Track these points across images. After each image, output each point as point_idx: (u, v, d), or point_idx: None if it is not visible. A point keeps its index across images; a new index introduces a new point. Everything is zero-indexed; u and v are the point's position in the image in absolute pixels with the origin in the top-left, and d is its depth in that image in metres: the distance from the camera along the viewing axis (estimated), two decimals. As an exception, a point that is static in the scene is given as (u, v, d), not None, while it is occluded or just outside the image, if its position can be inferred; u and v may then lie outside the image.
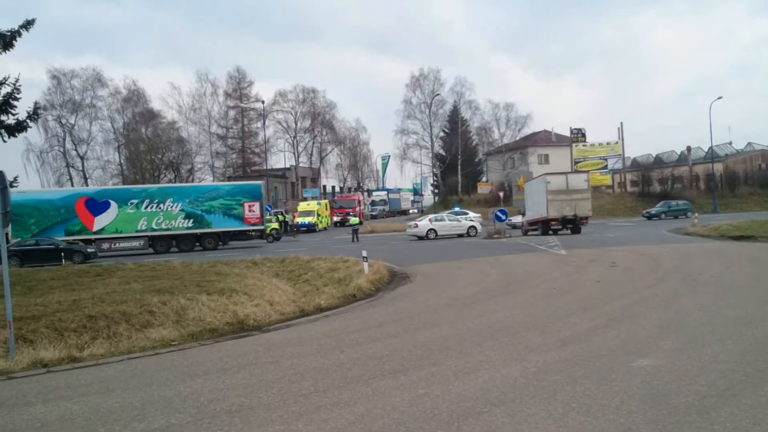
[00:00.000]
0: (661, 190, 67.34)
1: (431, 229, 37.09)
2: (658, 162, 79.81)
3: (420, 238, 36.80)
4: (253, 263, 21.85)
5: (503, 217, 34.76)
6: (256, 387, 6.81)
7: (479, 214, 50.26)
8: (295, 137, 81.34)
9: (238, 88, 75.77)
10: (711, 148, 70.18)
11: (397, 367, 7.33)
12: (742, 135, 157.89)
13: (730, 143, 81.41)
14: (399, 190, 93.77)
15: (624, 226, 43.60)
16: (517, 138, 78.04)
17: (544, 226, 35.82)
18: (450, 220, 39.47)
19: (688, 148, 76.24)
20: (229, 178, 72.16)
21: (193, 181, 66.98)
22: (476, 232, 37.42)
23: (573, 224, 35.49)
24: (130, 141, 67.13)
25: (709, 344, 7.57)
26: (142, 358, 9.14)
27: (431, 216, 42.66)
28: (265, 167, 69.83)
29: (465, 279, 16.51)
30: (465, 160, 76.42)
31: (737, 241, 24.91)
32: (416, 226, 38.52)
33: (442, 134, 79.57)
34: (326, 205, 60.54)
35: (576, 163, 68.67)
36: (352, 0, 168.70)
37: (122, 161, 67.89)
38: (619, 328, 8.87)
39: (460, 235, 37.01)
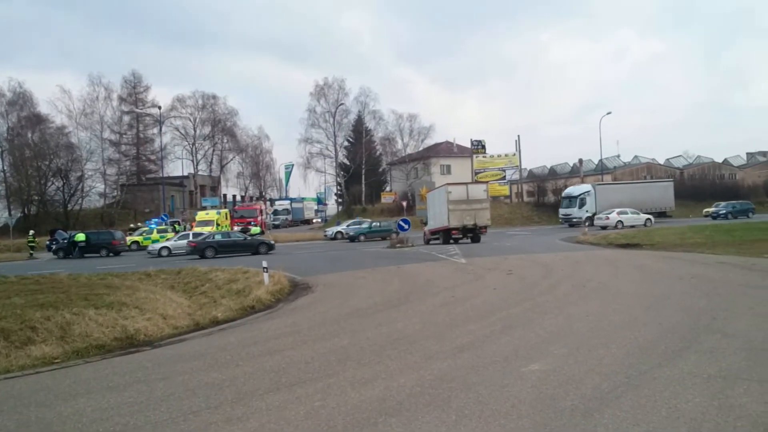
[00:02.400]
0: (555, 200, 70.37)
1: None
2: (553, 173, 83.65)
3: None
4: (146, 275, 20.99)
5: (406, 227, 35.15)
6: (144, 405, 6.49)
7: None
8: (194, 144, 79.30)
9: (134, 92, 73.11)
10: (601, 160, 74.35)
11: (293, 380, 7.20)
12: (630, 148, 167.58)
13: (618, 156, 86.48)
14: (303, 200, 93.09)
15: (521, 234, 45.18)
16: (421, 148, 79.43)
17: (445, 235, 36.53)
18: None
19: (580, 161, 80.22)
20: (122, 186, 69.30)
21: (83, 190, 63.89)
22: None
23: (473, 233, 36.40)
24: (15, 146, 63.20)
25: (595, 348, 7.90)
26: (21, 377, 8.52)
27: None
28: (161, 175, 67.49)
29: (367, 289, 16.54)
30: (369, 170, 76.94)
31: (624, 249, 26.31)
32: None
33: (346, 144, 79.83)
34: (226, 214, 59.05)
35: (476, 173, 70.68)
36: (257, 6, 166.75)
37: (5, 168, 63.72)
38: (512, 335, 9.13)
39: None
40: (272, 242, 37.25)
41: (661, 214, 54.03)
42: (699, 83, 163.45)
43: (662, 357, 7.26)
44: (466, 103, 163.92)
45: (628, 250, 25.92)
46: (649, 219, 47.58)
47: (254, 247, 35.04)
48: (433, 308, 12.41)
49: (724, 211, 53.87)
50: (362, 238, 45.06)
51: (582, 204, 54.23)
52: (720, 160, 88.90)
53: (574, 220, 53.67)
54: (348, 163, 78.90)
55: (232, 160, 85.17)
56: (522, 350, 8.03)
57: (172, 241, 38.88)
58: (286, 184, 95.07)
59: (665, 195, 57.38)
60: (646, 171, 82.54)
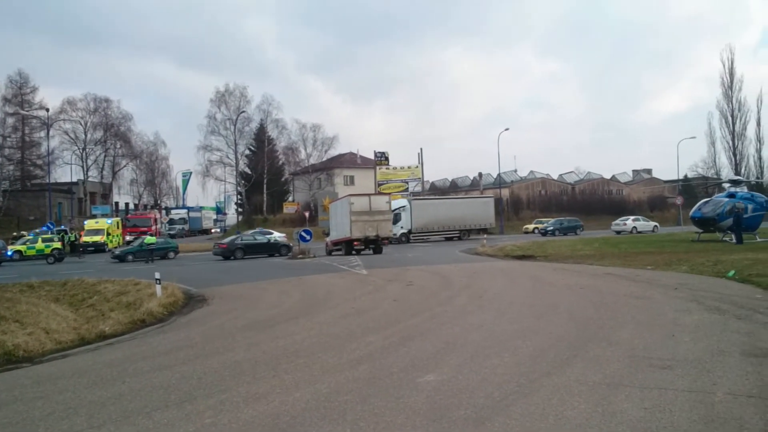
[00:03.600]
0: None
1: None
2: (454, 186, 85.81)
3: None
4: (29, 287, 19.70)
5: (308, 237, 34.89)
6: (19, 426, 6.04)
7: (284, 234, 50.12)
8: (84, 149, 75.64)
9: (19, 93, 68.87)
10: (499, 174, 76.89)
11: (184, 397, 6.90)
12: (527, 163, 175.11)
13: (516, 171, 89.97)
14: (201, 209, 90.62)
15: (422, 246, 45.89)
16: (324, 159, 79.33)
17: (347, 246, 36.55)
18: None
19: (480, 174, 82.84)
20: (5, 192, 64.92)
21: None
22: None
23: (375, 244, 36.65)
24: None
25: (489, 357, 8.07)
26: None
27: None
28: (47, 181, 63.76)
29: (266, 300, 16.22)
30: (271, 179, 75.99)
31: (520, 261, 27.26)
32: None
33: (247, 152, 78.47)
34: (118, 223, 56.52)
35: (379, 185, 71.34)
36: (156, 7, 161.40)
37: None
38: (410, 346, 9.17)
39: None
40: (291, 244, 39.69)
41: (482, 231, 53.51)
42: (591, 103, 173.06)
43: (551, 365, 7.50)
44: (370, 114, 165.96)
45: (523, 261, 26.86)
46: (656, 226, 52.52)
47: (276, 249, 39.52)
48: (333, 320, 12.31)
49: (552, 228, 55.51)
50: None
51: (396, 220, 49.37)
52: (608, 177, 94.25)
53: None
54: (249, 172, 77.55)
55: (125, 166, 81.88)
56: (418, 361, 8.08)
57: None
58: (184, 193, 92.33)
59: (485, 212, 54.84)
60: (541, 185, 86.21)
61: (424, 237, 52.21)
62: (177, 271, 23.57)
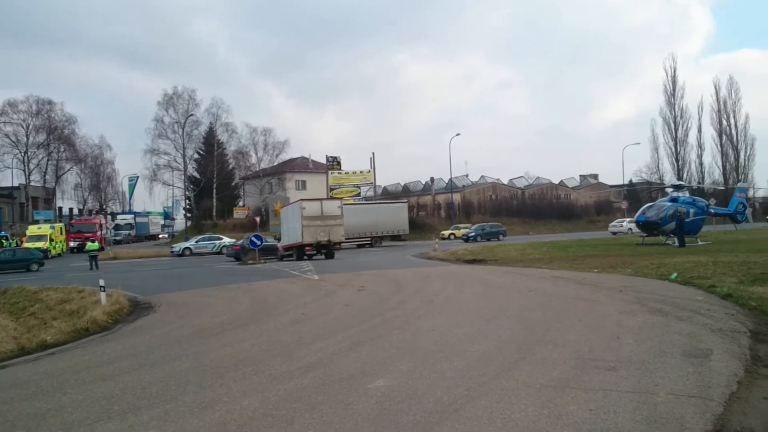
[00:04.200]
0: (408, 217, 72.38)
1: None
2: (406, 191, 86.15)
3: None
4: (-35, 296, 18.94)
5: (258, 243, 34.49)
6: (-52, 445, 5.75)
7: (234, 240, 49.42)
8: (26, 153, 72.91)
9: (-44, 94, 66.17)
10: (451, 179, 77.66)
11: (127, 407, 6.71)
12: (478, 168, 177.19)
13: (467, 176, 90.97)
14: (148, 214, 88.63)
15: (374, 250, 45.92)
16: (276, 163, 78.51)
17: (299, 252, 36.34)
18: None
19: (432, 179, 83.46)
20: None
21: None
22: None
23: (327, 249, 36.52)
24: None
25: (439, 362, 8.09)
26: None
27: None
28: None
29: (214, 307, 15.94)
30: (221, 184, 74.77)
31: (470, 264, 27.51)
32: None
33: (196, 156, 76.91)
34: (61, 228, 54.86)
35: (332, 190, 71.07)
36: (101, 6, 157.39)
37: None
38: (361, 351, 9.13)
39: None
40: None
41: (395, 238, 52.97)
42: (540, 109, 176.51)
43: (500, 368, 7.57)
44: (323, 118, 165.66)
45: (474, 265, 27.12)
46: None
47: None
48: (283, 326, 12.17)
49: (473, 234, 55.43)
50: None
51: None
52: (557, 182, 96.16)
53: None
54: (198, 177, 76.08)
55: (69, 170, 79.16)
56: (369, 366, 8.04)
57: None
58: (130, 198, 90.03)
59: (399, 218, 53.29)
60: (491, 190, 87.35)
61: (349, 242, 48.29)
62: (123, 278, 22.98)
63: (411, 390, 6.74)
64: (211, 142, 74.88)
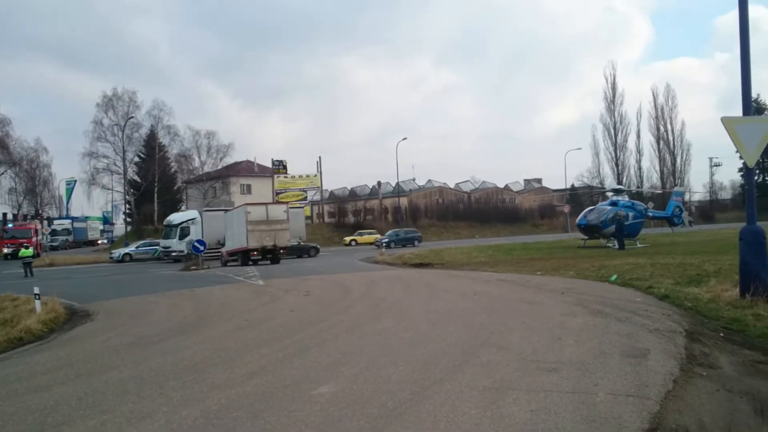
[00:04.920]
0: (355, 221, 72.42)
1: None
2: (353, 195, 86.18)
3: None
4: None
5: (201, 248, 33.87)
6: None
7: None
8: (-44, 157, 70.00)
9: None
10: (398, 183, 77.99)
11: (62, 419, 6.46)
12: (425, 172, 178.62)
13: (414, 179, 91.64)
14: (86, 219, 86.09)
15: (322, 255, 45.70)
16: (220, 167, 77.39)
17: (244, 257, 35.90)
18: None
19: (379, 183, 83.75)
20: None
21: None
22: None
23: (273, 254, 36.18)
24: None
25: (384, 367, 8.06)
26: None
27: None
28: None
29: (156, 314, 15.55)
30: (162, 188, 73.22)
31: (417, 269, 27.67)
32: None
33: (137, 160, 75.14)
34: (-6, 234, 52.81)
35: (277, 194, 70.57)
36: (38, 4, 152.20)
37: None
38: (306, 357, 9.03)
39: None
40: (318, 246, 44.79)
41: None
42: (487, 114, 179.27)
43: (444, 372, 7.59)
44: (269, 121, 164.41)
45: (421, 269, 27.28)
46: None
47: (306, 251, 44.46)
48: (226, 333, 11.94)
49: (387, 240, 54.52)
50: None
51: (184, 234, 44.97)
52: (502, 186, 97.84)
53: (174, 254, 44.52)
54: (139, 181, 74.29)
55: (3, 174, 76.16)
56: (313, 373, 7.96)
57: None
58: (67, 202, 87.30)
59: (296, 224, 45.94)
60: (438, 194, 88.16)
61: (219, 252, 43.37)
62: (60, 285, 22.22)
63: (355, 395, 6.69)
64: (152, 145, 73.30)
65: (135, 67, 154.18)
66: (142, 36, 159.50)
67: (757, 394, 6.21)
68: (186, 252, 43.12)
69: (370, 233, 61.99)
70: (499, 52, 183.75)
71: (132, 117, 71.08)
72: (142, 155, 75.14)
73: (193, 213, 48.88)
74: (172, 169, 78.47)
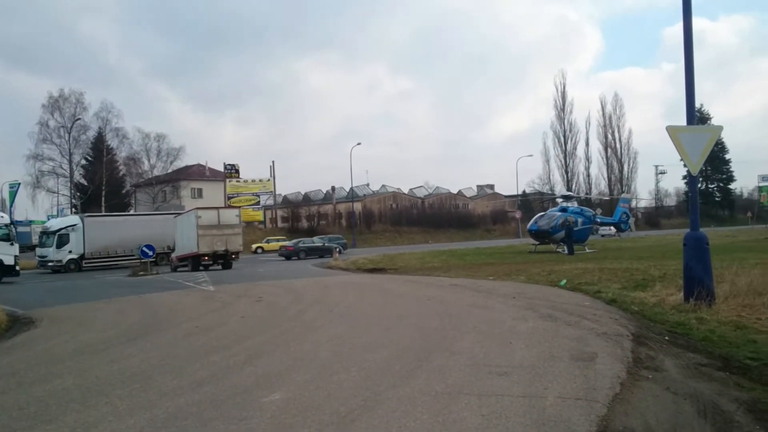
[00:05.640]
0: (309, 226, 72.08)
1: None
2: (307, 200, 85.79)
3: None
4: None
5: (150, 253, 33.15)
6: None
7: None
8: None
9: None
10: (352, 188, 77.93)
11: (1, 430, 6.20)
12: (379, 177, 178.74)
13: (368, 185, 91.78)
14: (30, 223, 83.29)
15: (274, 260, 45.28)
16: (170, 170, 75.99)
17: (194, 262, 35.33)
18: None
19: (333, 188, 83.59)
20: None
21: None
22: None
23: (224, 259, 35.71)
24: None
25: (337, 372, 8.00)
26: None
27: None
28: None
29: (102, 321, 15.12)
30: (110, 192, 71.42)
31: (371, 274, 27.65)
32: None
33: (84, 162, 73.11)
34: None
35: (229, 198, 69.76)
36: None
37: None
38: (256, 364, 8.90)
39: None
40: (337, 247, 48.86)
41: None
42: (441, 120, 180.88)
43: (397, 377, 7.58)
44: (222, 125, 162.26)
45: (375, 274, 27.29)
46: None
47: (328, 251, 47.04)
48: (175, 340, 11.69)
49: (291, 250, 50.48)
50: None
51: (62, 242, 41.91)
52: (455, 191, 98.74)
53: (50, 264, 41.57)
54: (86, 184, 72.26)
55: (-59, 176, 73.45)
56: (264, 380, 7.85)
57: None
58: (11, 206, 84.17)
59: (168, 233, 42.52)
60: (392, 199, 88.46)
61: (104, 263, 43.24)
62: (1, 291, 21.44)
63: (307, 402, 6.62)
64: (100, 148, 71.50)
65: (83, 68, 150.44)
66: (91, 36, 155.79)
67: (700, 395, 6.39)
68: (64, 263, 40.74)
69: (277, 240, 60.27)
70: (454, 59, 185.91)
71: (79, 119, 69.19)
72: (90, 158, 73.18)
73: (73, 219, 45.36)
74: (121, 173, 76.68)
